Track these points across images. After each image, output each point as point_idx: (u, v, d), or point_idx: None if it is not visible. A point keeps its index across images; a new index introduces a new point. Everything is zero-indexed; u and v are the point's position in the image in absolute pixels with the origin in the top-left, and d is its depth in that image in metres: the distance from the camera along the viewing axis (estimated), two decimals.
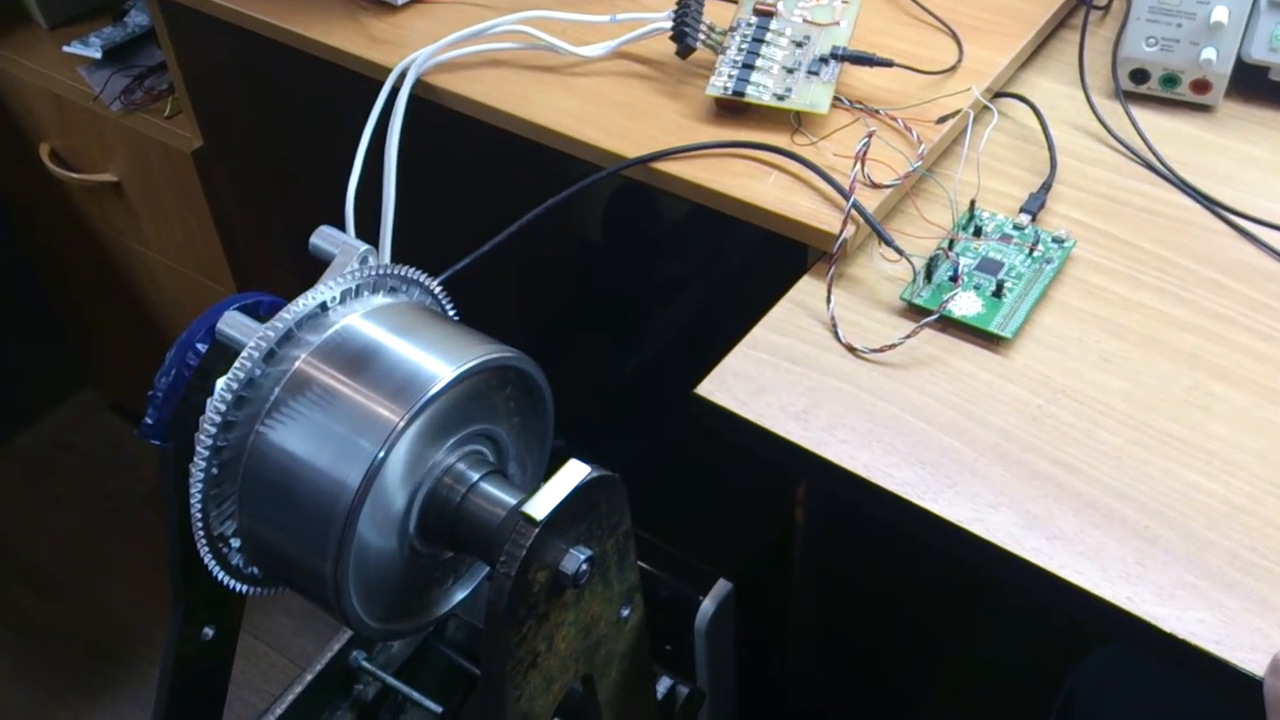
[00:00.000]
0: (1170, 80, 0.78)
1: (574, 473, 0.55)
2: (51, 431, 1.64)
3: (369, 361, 0.56)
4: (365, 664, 0.82)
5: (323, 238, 0.62)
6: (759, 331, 0.65)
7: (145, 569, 1.46)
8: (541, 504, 0.53)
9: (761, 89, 0.74)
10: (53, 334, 1.54)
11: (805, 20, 0.76)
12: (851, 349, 0.64)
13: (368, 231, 0.71)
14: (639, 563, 0.63)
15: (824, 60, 0.75)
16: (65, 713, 1.35)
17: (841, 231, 0.66)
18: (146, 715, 0.69)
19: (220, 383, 0.55)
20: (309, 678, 0.81)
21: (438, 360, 0.56)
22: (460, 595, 0.64)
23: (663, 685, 0.86)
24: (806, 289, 0.68)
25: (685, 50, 0.77)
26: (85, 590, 1.46)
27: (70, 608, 1.45)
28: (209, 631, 0.68)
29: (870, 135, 0.71)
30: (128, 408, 1.61)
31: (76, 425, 1.65)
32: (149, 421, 0.61)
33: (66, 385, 1.66)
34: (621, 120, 0.75)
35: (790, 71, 0.74)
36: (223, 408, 0.55)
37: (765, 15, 0.77)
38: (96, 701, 1.35)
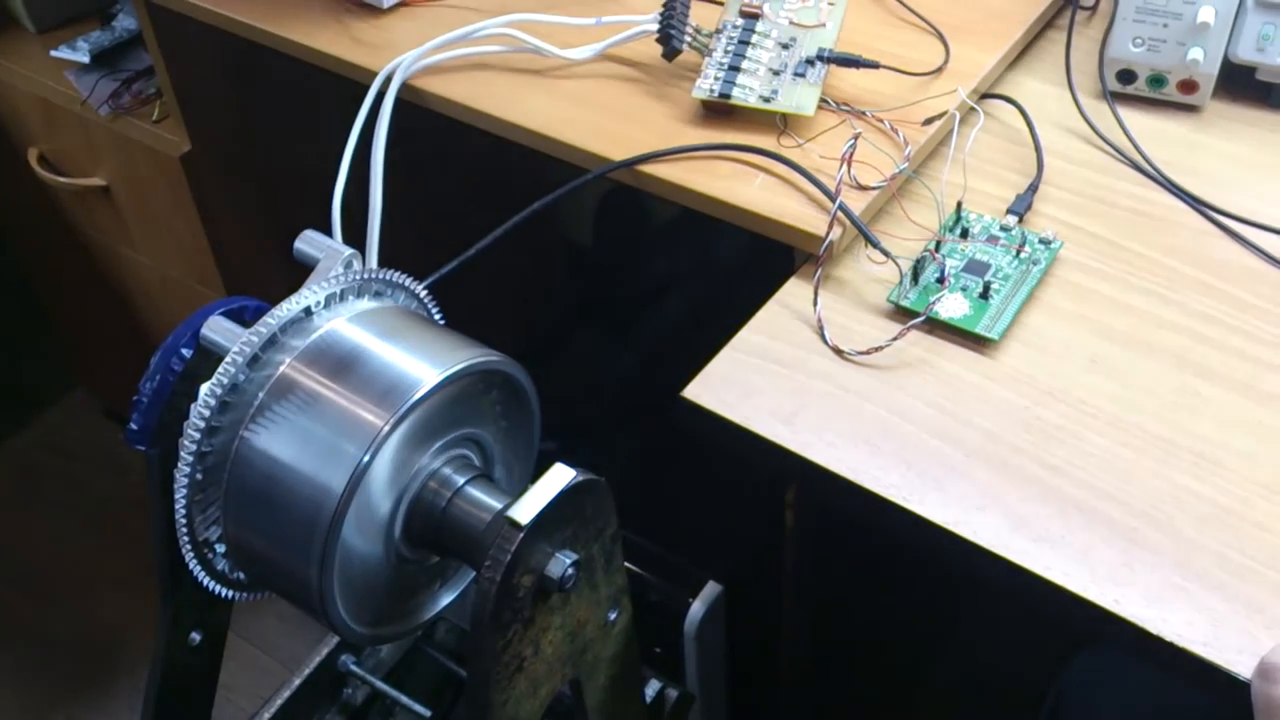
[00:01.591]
0: (1157, 80, 0.78)
1: (559, 477, 0.55)
2: (42, 435, 1.64)
3: (353, 366, 0.56)
4: (354, 668, 0.82)
5: (307, 242, 0.62)
6: (746, 334, 0.65)
7: (136, 573, 1.45)
8: (526, 508, 0.53)
9: (747, 91, 0.74)
10: (43, 338, 1.54)
11: (791, 22, 0.76)
12: (838, 351, 0.64)
13: (355, 236, 0.71)
14: (628, 565, 0.63)
15: (810, 62, 0.75)
16: (57, 717, 1.35)
17: (828, 234, 0.66)
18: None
19: (204, 388, 0.55)
20: (297, 682, 0.80)
21: (422, 364, 0.56)
22: (447, 599, 0.64)
23: (652, 688, 0.86)
24: (793, 291, 0.67)
25: (671, 53, 0.77)
26: (77, 595, 1.46)
27: (61, 612, 1.44)
28: (196, 637, 0.68)
29: (856, 137, 0.70)
30: (119, 412, 1.60)
31: (67, 429, 1.64)
32: (134, 427, 0.61)
33: (57, 389, 1.65)
34: (608, 123, 0.75)
35: (776, 74, 0.74)
36: (206, 413, 0.55)
37: (751, 17, 0.77)
38: (88, 705, 1.35)
